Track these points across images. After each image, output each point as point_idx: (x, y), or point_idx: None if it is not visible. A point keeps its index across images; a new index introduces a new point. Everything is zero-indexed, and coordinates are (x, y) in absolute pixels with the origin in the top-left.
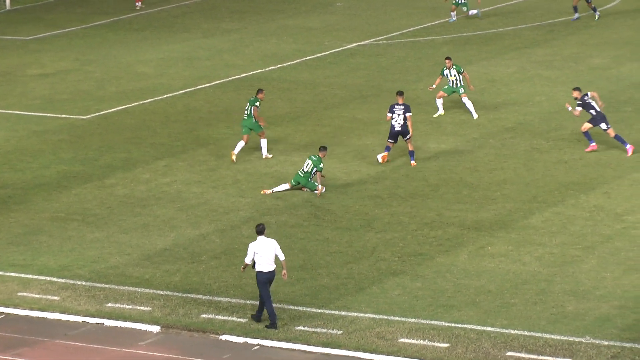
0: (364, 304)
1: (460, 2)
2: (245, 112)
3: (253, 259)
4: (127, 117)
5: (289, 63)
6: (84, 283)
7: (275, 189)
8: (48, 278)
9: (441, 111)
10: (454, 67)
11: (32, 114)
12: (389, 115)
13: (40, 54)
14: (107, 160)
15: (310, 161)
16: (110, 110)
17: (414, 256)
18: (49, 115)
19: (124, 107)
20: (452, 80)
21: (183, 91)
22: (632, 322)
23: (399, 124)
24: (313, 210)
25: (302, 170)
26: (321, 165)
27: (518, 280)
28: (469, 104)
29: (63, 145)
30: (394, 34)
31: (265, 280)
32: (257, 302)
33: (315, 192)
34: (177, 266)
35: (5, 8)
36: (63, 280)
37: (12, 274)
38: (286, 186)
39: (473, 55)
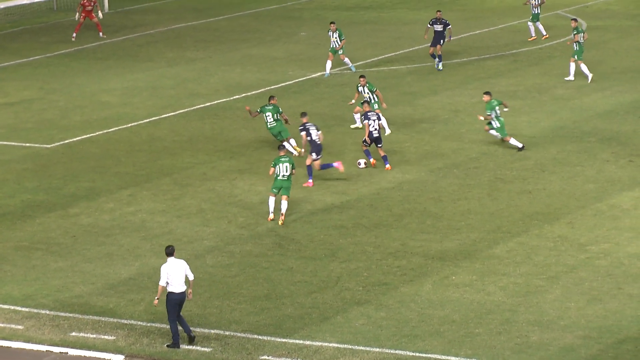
0: (328, 334)
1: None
2: (269, 121)
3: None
4: (91, 146)
5: (254, 92)
6: (47, 312)
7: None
8: (12, 307)
9: (359, 124)
10: (367, 85)
11: None
12: (366, 122)
13: (4, 82)
14: (71, 189)
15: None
16: (74, 139)
17: (378, 286)
18: (13, 144)
19: (88, 136)
20: (366, 97)
21: (147, 120)
22: (596, 352)
23: (376, 129)
24: (277, 240)
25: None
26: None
27: (482, 310)
28: (383, 120)
29: (27, 174)
30: (358, 63)
31: (176, 301)
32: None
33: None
34: (142, 295)
35: None
36: (27, 309)
37: None
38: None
39: (437, 85)
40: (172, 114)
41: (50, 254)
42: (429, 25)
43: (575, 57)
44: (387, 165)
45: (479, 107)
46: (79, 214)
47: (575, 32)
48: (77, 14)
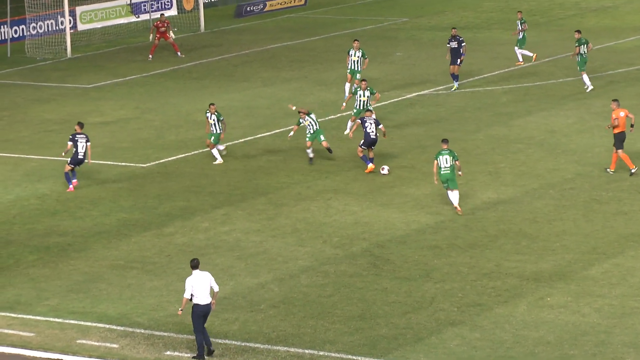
0: (423, 354)
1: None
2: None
3: (192, 294)
4: (186, 165)
5: (349, 112)
6: (142, 331)
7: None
8: (107, 326)
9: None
10: (368, 89)
11: (92, 161)
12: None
13: (100, 102)
14: (167, 208)
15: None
16: (169, 159)
17: (472, 306)
18: (109, 163)
19: (183, 155)
20: (363, 101)
21: (242, 140)
22: None
23: (374, 132)
24: (372, 260)
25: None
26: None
27: (577, 332)
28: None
29: (123, 193)
30: (454, 84)
31: (201, 313)
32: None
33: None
34: (236, 315)
35: (67, 56)
36: (122, 328)
37: (72, 321)
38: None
39: (532, 106)
40: (267, 133)
41: (145, 273)
42: (447, 45)
43: (578, 68)
44: (370, 165)
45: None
46: (174, 233)
47: (577, 45)
48: (151, 35)
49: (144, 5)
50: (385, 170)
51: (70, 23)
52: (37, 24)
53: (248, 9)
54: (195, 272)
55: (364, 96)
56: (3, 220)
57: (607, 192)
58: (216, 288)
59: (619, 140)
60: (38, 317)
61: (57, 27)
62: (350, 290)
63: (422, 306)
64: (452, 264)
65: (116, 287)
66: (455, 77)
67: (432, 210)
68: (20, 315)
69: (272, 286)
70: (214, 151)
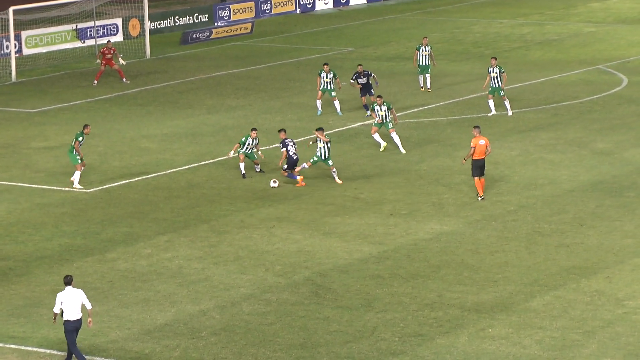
0: None
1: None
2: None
3: (61, 308)
4: (130, 191)
5: (295, 140)
6: (84, 356)
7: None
8: (48, 351)
9: (383, 143)
10: (385, 104)
11: (35, 186)
12: (284, 150)
13: (44, 126)
14: (109, 234)
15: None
16: (113, 184)
17: (414, 337)
18: (52, 188)
19: (127, 181)
20: (382, 115)
21: (186, 167)
22: None
23: (295, 154)
24: (314, 289)
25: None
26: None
27: None
28: (397, 139)
29: (65, 218)
30: (399, 114)
31: (72, 328)
32: None
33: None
34: (177, 342)
35: (11, 80)
36: (63, 353)
37: (12, 346)
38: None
39: None
40: (211, 161)
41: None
42: (351, 80)
43: (495, 93)
44: (298, 178)
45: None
46: (116, 259)
47: (500, 70)
48: (98, 60)
49: (90, 31)
50: (275, 184)
51: (15, 47)
52: None
53: (194, 36)
54: (68, 288)
55: (381, 110)
56: None
57: (550, 224)
58: (89, 306)
59: (477, 167)
60: None
61: (2, 51)
62: (292, 319)
63: (363, 336)
64: (394, 293)
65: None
66: (366, 107)
67: (375, 240)
68: None
69: (213, 313)
70: None
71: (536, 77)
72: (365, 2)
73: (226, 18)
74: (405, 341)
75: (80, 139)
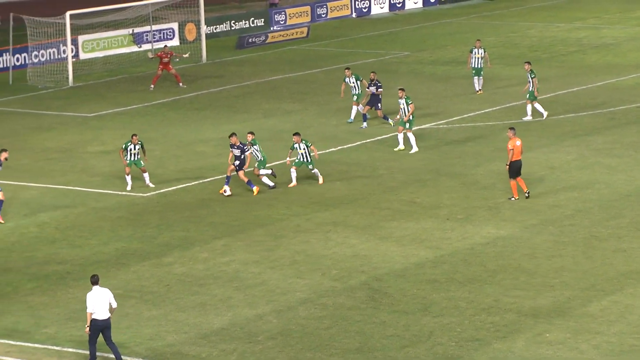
0: None
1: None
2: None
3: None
4: (186, 195)
5: (349, 145)
6: None
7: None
8: (105, 354)
9: (401, 145)
10: (405, 98)
11: (92, 190)
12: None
13: (101, 131)
14: (166, 238)
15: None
16: (169, 189)
17: (471, 341)
18: (108, 192)
19: (183, 185)
20: (402, 109)
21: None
22: None
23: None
24: (370, 293)
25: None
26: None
27: None
28: (412, 138)
29: (122, 222)
30: (454, 118)
31: (99, 327)
32: None
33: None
34: (234, 346)
35: (68, 85)
36: (121, 357)
37: (70, 350)
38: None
39: (533, 142)
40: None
41: (143, 303)
42: (367, 88)
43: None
44: (254, 188)
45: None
46: (172, 263)
47: (533, 76)
48: (150, 55)
49: (146, 35)
50: (227, 192)
51: (72, 52)
52: (39, 52)
53: (250, 40)
54: (95, 287)
55: (401, 104)
56: (2, 248)
57: (607, 229)
58: (114, 304)
59: (516, 168)
60: (36, 345)
61: (59, 56)
62: (348, 323)
63: (420, 340)
64: (451, 298)
65: (114, 316)
66: (365, 117)
67: (432, 244)
68: (18, 343)
69: (270, 318)
70: None
71: (593, 81)
72: (421, 6)
73: (282, 22)
74: (462, 346)
75: (123, 146)
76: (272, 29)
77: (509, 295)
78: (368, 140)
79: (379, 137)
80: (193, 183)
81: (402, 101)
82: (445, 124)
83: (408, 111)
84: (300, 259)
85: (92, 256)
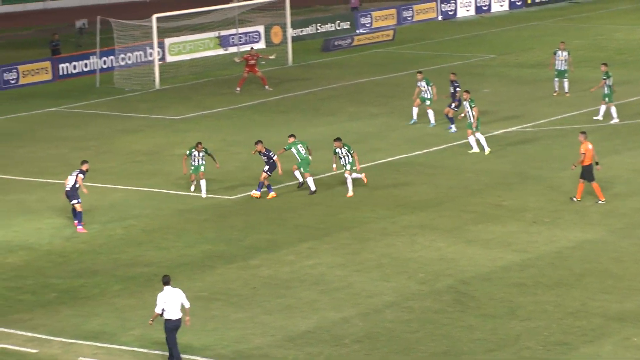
0: None
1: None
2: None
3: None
4: (271, 198)
5: (435, 148)
6: None
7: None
8: (191, 357)
9: (476, 149)
10: (471, 100)
11: (178, 193)
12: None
13: (187, 133)
14: (252, 241)
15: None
16: (255, 191)
17: (558, 345)
18: (194, 194)
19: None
20: (467, 112)
21: (328, 174)
22: None
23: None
24: (457, 296)
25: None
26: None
27: None
28: (481, 138)
29: (207, 224)
30: (541, 121)
31: (173, 327)
32: None
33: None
34: (320, 349)
35: (154, 87)
36: None
37: (156, 352)
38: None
39: (619, 145)
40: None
41: (229, 305)
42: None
43: (606, 99)
44: (257, 193)
45: None
46: (259, 266)
47: (604, 77)
48: (236, 59)
49: (232, 38)
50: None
51: (158, 55)
52: (126, 55)
53: (336, 43)
54: (167, 288)
55: (467, 106)
56: (89, 250)
57: None
58: (187, 304)
59: (588, 171)
60: (123, 347)
61: (146, 59)
62: (434, 327)
63: (507, 344)
64: (538, 302)
65: (200, 318)
66: (449, 119)
67: (518, 247)
68: (105, 345)
69: (356, 321)
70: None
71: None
72: (507, 8)
73: (368, 25)
74: (550, 350)
75: (187, 152)
76: (358, 31)
77: (596, 299)
78: (454, 143)
79: (464, 140)
80: (279, 186)
81: (467, 103)
82: (532, 127)
83: (473, 115)
84: (386, 262)
85: (178, 258)
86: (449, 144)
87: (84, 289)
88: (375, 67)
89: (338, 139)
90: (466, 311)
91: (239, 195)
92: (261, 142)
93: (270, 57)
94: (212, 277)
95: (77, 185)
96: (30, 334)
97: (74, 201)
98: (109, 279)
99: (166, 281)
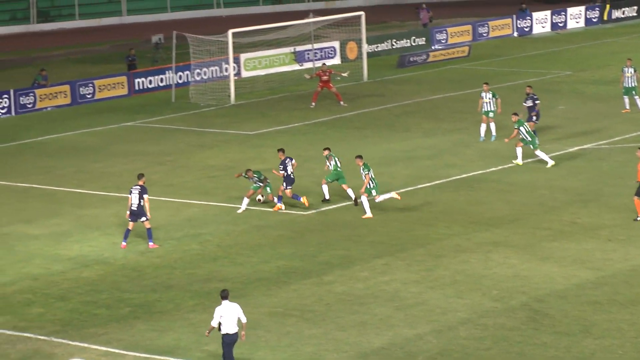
0: None
1: None
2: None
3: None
4: (346, 214)
5: (509, 165)
6: None
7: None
8: None
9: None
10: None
11: (254, 208)
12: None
13: (262, 149)
14: (326, 256)
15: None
16: (329, 207)
17: None
18: (269, 210)
19: (343, 204)
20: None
21: (403, 190)
22: None
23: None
24: (531, 314)
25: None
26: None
27: None
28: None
29: (283, 240)
30: (616, 138)
31: (230, 341)
32: None
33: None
34: None
35: (230, 103)
36: None
37: None
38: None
39: None
40: (427, 184)
41: (304, 321)
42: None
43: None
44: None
45: None
46: (333, 282)
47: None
48: (307, 75)
49: (308, 54)
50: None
51: (234, 70)
52: (201, 70)
53: (411, 59)
54: (225, 302)
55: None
56: (164, 265)
57: None
58: (244, 319)
59: None
60: None
61: (221, 74)
62: (508, 344)
63: None
64: (612, 320)
65: (274, 334)
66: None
67: (593, 265)
68: None
69: (430, 337)
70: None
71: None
72: (583, 25)
73: (443, 41)
74: None
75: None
76: (433, 47)
77: None
78: (529, 160)
79: (539, 158)
80: (351, 202)
81: (520, 126)
82: (607, 144)
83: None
84: (461, 279)
85: (253, 274)
86: (525, 160)
87: (159, 303)
88: (451, 83)
89: (359, 157)
90: (540, 329)
91: (314, 211)
92: (282, 151)
93: (344, 75)
94: (286, 292)
95: (142, 204)
96: (104, 349)
97: (143, 219)
98: (183, 294)
99: (224, 295)
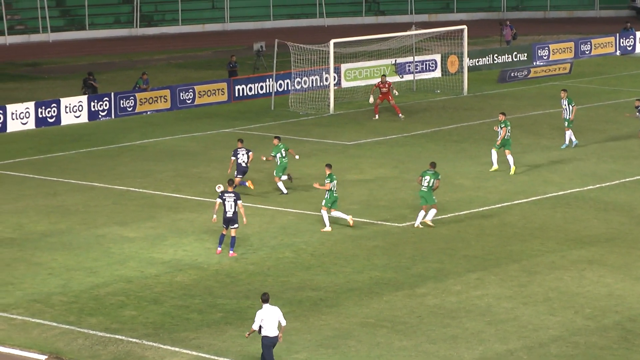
0: None
1: None
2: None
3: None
4: (441, 227)
5: (608, 183)
6: None
7: None
8: None
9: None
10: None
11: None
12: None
13: (360, 159)
14: (420, 269)
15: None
16: (425, 220)
17: None
18: (365, 220)
19: (439, 217)
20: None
21: (499, 205)
22: None
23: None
24: (624, 334)
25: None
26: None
27: None
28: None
29: (377, 251)
30: None
31: (270, 344)
32: None
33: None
34: None
35: (329, 112)
36: None
37: None
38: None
39: None
40: (524, 200)
41: (395, 332)
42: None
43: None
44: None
45: None
46: (425, 294)
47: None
48: (371, 96)
49: (409, 66)
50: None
51: (334, 80)
52: (301, 78)
53: (512, 74)
54: (266, 305)
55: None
56: (257, 272)
57: None
58: (283, 322)
59: None
60: None
61: (321, 83)
62: None
63: None
64: None
65: (365, 345)
66: None
67: None
68: None
69: (521, 353)
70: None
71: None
72: None
73: (545, 57)
74: None
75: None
76: (534, 63)
77: None
78: (627, 180)
79: (638, 177)
80: (449, 215)
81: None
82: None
83: (500, 134)
84: (554, 296)
85: (346, 284)
86: (623, 180)
87: (251, 310)
88: (551, 100)
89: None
90: (632, 348)
91: (409, 223)
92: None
93: (395, 93)
94: (378, 304)
95: (236, 210)
96: (195, 353)
97: (235, 225)
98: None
99: (265, 299)
